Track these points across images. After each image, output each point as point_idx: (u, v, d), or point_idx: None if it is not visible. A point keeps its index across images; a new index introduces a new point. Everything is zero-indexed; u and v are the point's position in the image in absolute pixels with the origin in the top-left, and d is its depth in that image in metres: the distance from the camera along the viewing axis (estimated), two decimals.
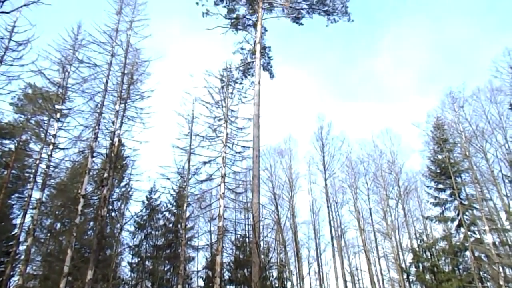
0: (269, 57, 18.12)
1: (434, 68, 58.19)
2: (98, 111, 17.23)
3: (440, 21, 63.60)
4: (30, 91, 18.07)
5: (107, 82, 17.29)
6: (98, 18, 17.32)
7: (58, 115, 17.80)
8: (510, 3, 55.95)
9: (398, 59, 62.32)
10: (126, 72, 17.78)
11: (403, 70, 59.59)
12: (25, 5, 13.11)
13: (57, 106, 17.85)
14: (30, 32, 20.63)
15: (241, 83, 18.43)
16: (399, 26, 64.18)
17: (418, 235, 22.49)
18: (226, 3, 17.51)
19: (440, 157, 17.81)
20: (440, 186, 17.76)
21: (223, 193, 17.06)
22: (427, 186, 18.39)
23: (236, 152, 17.95)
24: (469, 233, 16.34)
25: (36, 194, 17.32)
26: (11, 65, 16.49)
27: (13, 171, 18.14)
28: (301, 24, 17.82)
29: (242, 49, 17.97)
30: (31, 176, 17.92)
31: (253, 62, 17.29)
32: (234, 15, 17.60)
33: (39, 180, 17.47)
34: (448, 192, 17.55)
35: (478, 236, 16.67)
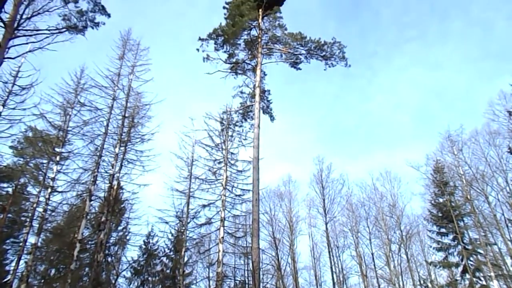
0: (268, 101, 19.40)
1: (430, 111, 61.18)
2: (98, 154, 18.19)
3: (434, 67, 68.08)
4: (30, 134, 19.04)
5: (107, 125, 18.39)
6: (100, 63, 18.61)
7: (58, 158, 18.74)
8: (502, 48, 60.24)
9: (394, 102, 65.91)
10: (127, 115, 18.98)
11: (399, 113, 62.70)
12: (30, 51, 14.37)
13: (57, 149, 18.82)
14: (34, 77, 21.73)
15: (241, 126, 19.55)
16: (394, 71, 68.82)
17: (422, 282, 22.65)
18: (226, 48, 18.75)
19: (441, 200, 18.49)
20: (443, 230, 18.32)
21: (222, 237, 17.62)
22: (429, 230, 18.95)
23: (236, 195, 18.69)
24: (474, 279, 16.65)
25: (31, 239, 17.81)
26: (14, 108, 17.71)
27: (9, 215, 18.79)
28: (299, 69, 19.10)
29: (241, 92, 19.25)
30: (27, 220, 18.55)
31: (252, 105, 18.35)
32: (234, 60, 18.87)
33: (35, 224, 18.03)
34: (451, 236, 18.07)
35: (484, 282, 16.93)
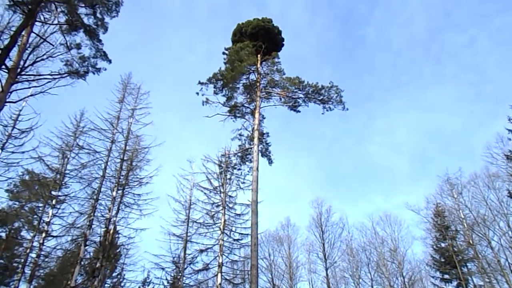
0: (267, 143, 20.16)
1: (427, 153, 62.93)
2: (95, 197, 18.68)
3: (430, 109, 71.10)
4: (27, 177, 19.76)
5: (105, 168, 18.99)
6: (100, 106, 19.51)
7: (54, 201, 19.29)
8: (495, 91, 64.07)
9: (391, 145, 68.08)
10: (125, 158, 19.60)
11: (397, 155, 64.45)
12: (32, 95, 15.26)
13: (53, 192, 19.44)
14: (34, 120, 22.69)
15: (239, 169, 20.15)
16: (390, 114, 72.19)
17: None
18: (225, 92, 19.80)
19: (443, 245, 18.91)
20: (446, 276, 18.64)
21: (220, 284, 17.90)
22: (432, 277, 19.28)
23: (234, 240, 19.15)
24: None
25: (23, 286, 18.16)
26: (13, 152, 18.57)
27: (1, 261, 19.12)
28: (298, 111, 20.02)
29: (240, 135, 20.05)
30: (20, 266, 18.85)
31: (251, 148, 19.02)
32: (233, 103, 19.84)
33: (27, 270, 18.32)
34: (455, 283, 18.33)
35: None
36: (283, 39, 21.56)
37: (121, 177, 19.31)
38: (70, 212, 18.72)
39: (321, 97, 19.33)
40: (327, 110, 19.37)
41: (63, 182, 19.68)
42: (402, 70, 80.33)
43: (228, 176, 20.03)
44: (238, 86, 19.86)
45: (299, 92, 19.52)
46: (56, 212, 19.33)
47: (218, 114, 19.13)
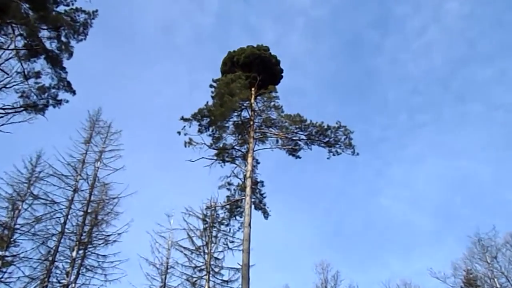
0: (261, 194, 19.41)
1: (452, 208, 59.34)
2: (50, 258, 17.64)
3: (453, 155, 68.41)
4: None
5: (65, 222, 18.17)
6: (62, 147, 18.94)
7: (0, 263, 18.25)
8: None
9: (408, 197, 63.80)
10: (89, 211, 18.82)
11: (415, 210, 60.84)
12: None
13: None
14: None
15: (227, 225, 19.45)
16: (406, 161, 69.22)
17: None
18: (213, 131, 19.05)
19: None
20: None
21: None
22: None
23: None
24: None
25: None
26: None
27: None
28: (298, 157, 19.49)
29: (229, 184, 19.26)
30: None
31: (242, 199, 18.18)
32: (221, 145, 19.10)
33: None
34: None
35: None
36: (281, 70, 21.31)
37: (84, 234, 18.60)
38: (19, 277, 17.65)
39: (327, 139, 18.88)
40: (333, 155, 18.94)
41: (11, 240, 18.40)
42: (420, 108, 77.71)
43: (214, 234, 19.35)
44: (227, 124, 19.31)
45: (301, 133, 19.08)
46: (1, 277, 18.22)
47: (203, 158, 18.46)
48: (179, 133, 18.29)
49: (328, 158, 18.88)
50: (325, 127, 18.64)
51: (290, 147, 19.26)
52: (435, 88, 77.25)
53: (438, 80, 77.71)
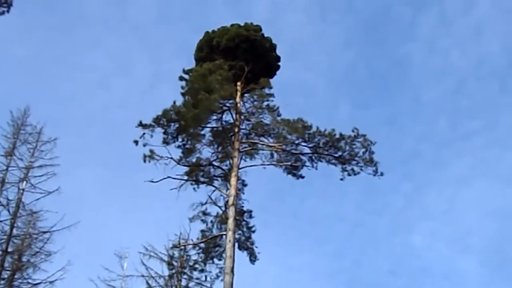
0: (249, 228, 17.64)
1: (509, 248, 54.22)
2: None
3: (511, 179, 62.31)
4: None
5: None
6: None
7: None
8: None
9: (450, 235, 57.84)
10: (10, 249, 17.02)
11: (459, 251, 54.41)
12: None
13: None
14: None
15: (202, 270, 17.68)
16: (446, 183, 58.62)
17: None
18: (183, 141, 17.20)
19: None
20: None
21: None
22: None
23: None
24: None
25: None
26: None
27: None
28: (301, 177, 17.55)
29: (205, 214, 17.54)
30: None
31: (222, 235, 16.89)
32: (195, 161, 17.41)
33: None
34: None
35: None
36: (278, 59, 19.35)
37: (2, 282, 16.63)
38: None
39: (340, 153, 16.92)
40: (348, 175, 17.00)
41: None
42: (466, 113, 66.41)
43: (184, 283, 17.22)
44: (203, 132, 17.61)
45: (304, 144, 17.11)
46: None
47: (169, 177, 16.62)
48: (136, 143, 16.49)
49: (341, 179, 16.99)
50: (337, 136, 16.72)
51: (289, 163, 17.43)
52: (488, 86, 67.88)
53: (493, 74, 69.16)
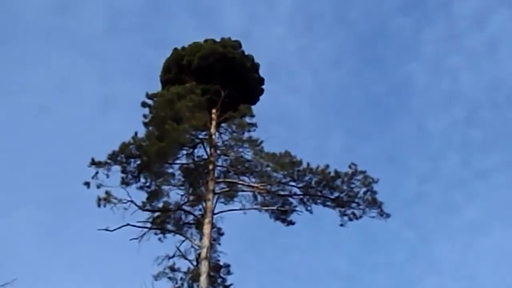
0: (226, 286, 17.66)
1: None
2: None
3: None
4: None
5: None
6: None
7: None
8: None
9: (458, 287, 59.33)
10: None
11: None
12: None
13: None
14: None
15: None
16: (460, 228, 58.84)
17: None
18: (145, 182, 17.19)
19: None
20: None
21: None
22: None
23: None
24: None
25: None
26: None
27: None
28: (290, 223, 17.83)
29: (173, 269, 17.35)
30: None
31: None
32: (161, 205, 17.41)
33: None
34: None
35: None
36: (261, 81, 19.98)
37: None
38: None
39: (336, 193, 17.20)
40: (350, 219, 17.40)
41: None
42: (481, 146, 62.30)
43: None
44: (171, 170, 17.65)
45: (293, 184, 17.35)
46: None
47: (129, 225, 16.61)
48: (87, 185, 16.45)
49: (341, 225, 17.47)
50: (332, 174, 16.97)
51: (274, 208, 17.63)
52: (506, 114, 68.07)
53: (511, 100, 70.38)
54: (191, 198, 17.64)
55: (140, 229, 16.80)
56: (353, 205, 17.16)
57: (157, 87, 19.58)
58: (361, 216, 17.16)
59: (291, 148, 17.71)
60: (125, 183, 16.74)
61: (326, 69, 66.01)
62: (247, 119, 18.02)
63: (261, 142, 17.56)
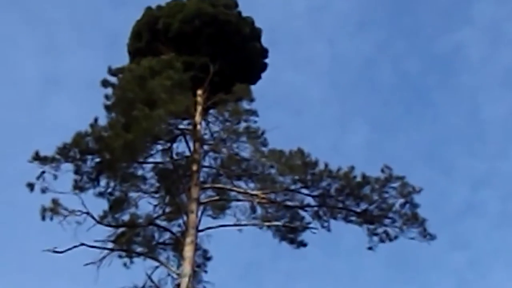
0: None
1: None
2: None
3: None
4: None
5: None
6: None
7: None
8: None
9: None
10: None
11: None
12: None
13: None
14: None
15: None
16: None
17: None
18: (108, 185, 15.26)
19: None
20: None
21: None
22: None
23: None
24: None
25: None
26: None
27: None
28: (301, 244, 16.17)
29: None
30: None
31: None
32: (128, 220, 15.48)
33: None
34: None
35: None
36: (264, 52, 18.64)
37: None
38: None
39: (363, 205, 15.44)
40: (381, 240, 15.66)
41: None
42: None
43: None
44: (141, 172, 15.95)
45: (305, 191, 15.62)
46: None
47: (83, 245, 14.66)
48: (31, 187, 14.34)
49: (370, 249, 15.68)
50: (359, 179, 15.18)
51: (280, 223, 15.98)
52: None
53: None
54: (167, 209, 16.10)
55: (99, 250, 14.91)
56: (387, 221, 15.37)
57: (123, 60, 17.80)
58: (396, 237, 15.37)
59: (298, 143, 15.95)
60: (79, 187, 14.65)
61: (346, 37, 56.96)
62: (245, 104, 16.50)
63: (262, 135, 15.98)
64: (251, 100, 16.31)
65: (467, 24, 58.81)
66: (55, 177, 14.20)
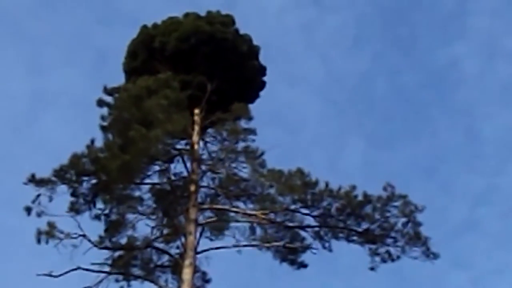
0: None
1: None
2: None
3: None
4: None
5: None
6: None
7: None
8: None
9: None
10: None
11: None
12: None
13: None
14: None
15: None
16: None
17: None
18: (104, 208, 15.35)
19: None
20: None
21: None
22: None
23: None
24: None
25: None
26: None
27: None
28: (302, 265, 16.34)
29: None
30: None
31: None
32: (125, 242, 15.67)
33: None
34: None
35: None
36: (262, 70, 18.79)
37: None
38: None
39: (364, 224, 15.73)
40: (383, 260, 15.87)
41: None
42: None
43: None
44: (138, 194, 16.07)
45: (305, 211, 15.81)
46: None
47: (80, 268, 14.73)
48: (28, 211, 14.44)
49: (372, 269, 15.74)
50: (360, 199, 15.36)
51: (280, 244, 16.18)
52: None
53: None
54: (165, 231, 16.25)
55: (96, 273, 15.01)
56: (389, 241, 15.58)
57: (110, 77, 17.93)
58: (398, 257, 15.53)
59: (294, 160, 16.94)
60: (75, 210, 14.77)
61: (341, 52, 55.73)
62: (243, 123, 16.86)
63: (261, 155, 16.14)
64: (250, 118, 16.60)
65: (462, 38, 58.24)
66: (50, 199, 14.34)
